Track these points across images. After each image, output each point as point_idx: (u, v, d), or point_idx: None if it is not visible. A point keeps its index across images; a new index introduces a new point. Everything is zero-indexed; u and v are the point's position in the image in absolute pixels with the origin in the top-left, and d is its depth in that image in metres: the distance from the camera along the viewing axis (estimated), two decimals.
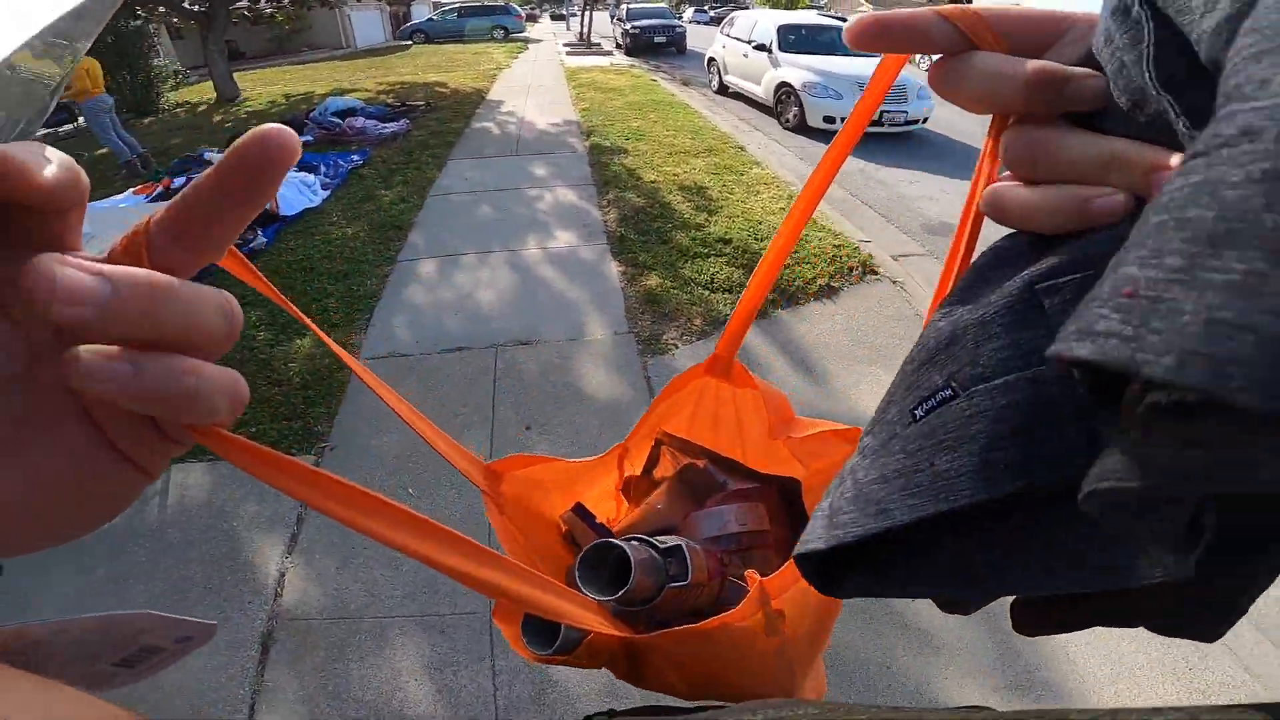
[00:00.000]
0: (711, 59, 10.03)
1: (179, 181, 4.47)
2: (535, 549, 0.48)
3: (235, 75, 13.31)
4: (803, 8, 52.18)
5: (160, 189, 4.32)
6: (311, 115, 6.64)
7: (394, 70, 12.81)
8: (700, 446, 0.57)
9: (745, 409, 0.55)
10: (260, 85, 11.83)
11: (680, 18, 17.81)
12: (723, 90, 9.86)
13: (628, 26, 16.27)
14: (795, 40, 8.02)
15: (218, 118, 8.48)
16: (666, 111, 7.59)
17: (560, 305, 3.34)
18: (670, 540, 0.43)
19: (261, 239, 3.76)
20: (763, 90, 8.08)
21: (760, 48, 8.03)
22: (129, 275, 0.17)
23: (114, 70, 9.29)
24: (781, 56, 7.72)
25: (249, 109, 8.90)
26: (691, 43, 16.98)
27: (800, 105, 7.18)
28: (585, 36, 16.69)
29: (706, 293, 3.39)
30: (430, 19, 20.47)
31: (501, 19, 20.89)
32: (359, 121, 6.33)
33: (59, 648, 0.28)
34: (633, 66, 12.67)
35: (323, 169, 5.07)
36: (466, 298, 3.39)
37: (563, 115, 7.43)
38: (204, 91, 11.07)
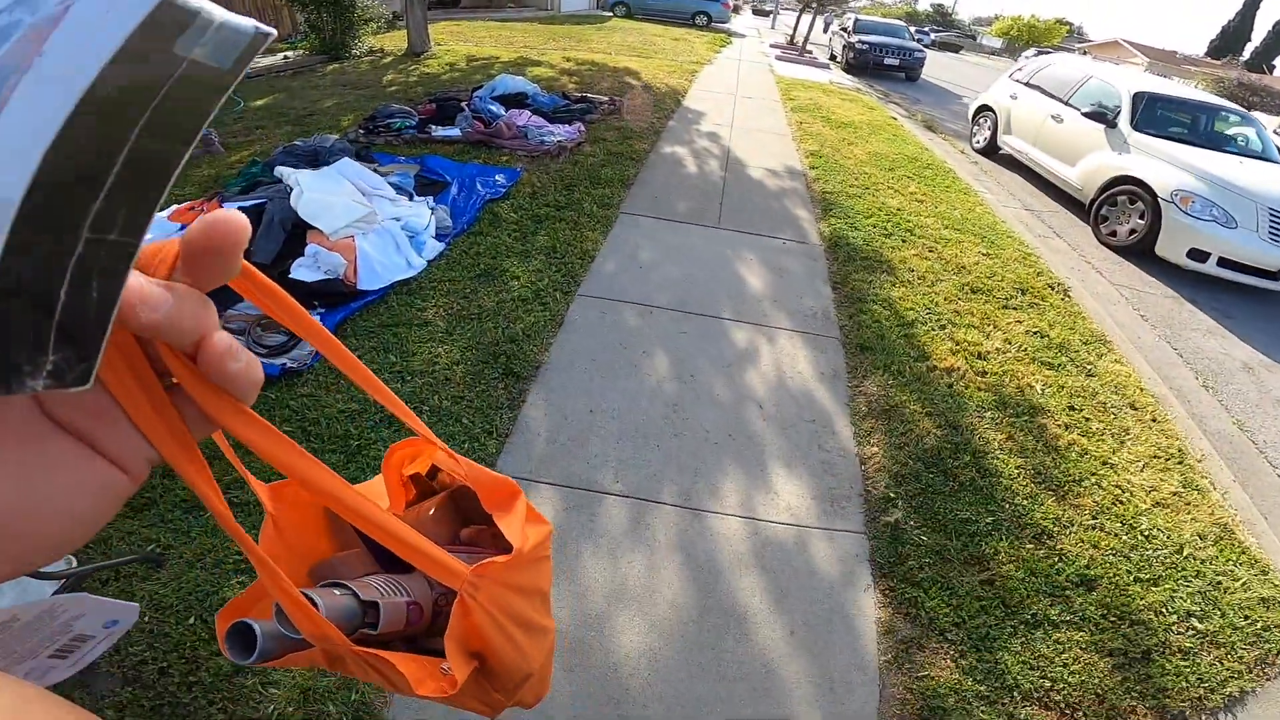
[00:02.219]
0: (985, 108, 7.47)
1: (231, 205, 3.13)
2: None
3: (437, 24, 12.81)
4: (1052, 45, 44.80)
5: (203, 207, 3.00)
6: (476, 96, 5.23)
7: (587, 44, 11.51)
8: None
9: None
10: (452, 39, 11.03)
11: (931, 43, 14.92)
12: (990, 151, 7.31)
13: (854, 41, 13.74)
14: (1162, 118, 5.35)
15: (390, 76, 7.51)
16: (929, 181, 5.35)
17: (757, 685, 1.46)
18: (380, 591, 0.45)
19: (310, 348, 2.25)
20: (1078, 178, 5.53)
21: (1096, 116, 5.45)
22: (185, 291, 0.22)
23: (316, 6, 8.77)
24: (1136, 139, 5.12)
25: (426, 70, 7.88)
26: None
27: (1154, 220, 4.62)
28: (802, 43, 14.39)
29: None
30: None
31: (707, 5, 19.11)
32: (522, 117, 4.82)
33: (8, 640, 0.31)
34: (859, 90, 10.31)
35: (453, 190, 3.56)
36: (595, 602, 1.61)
37: (782, 157, 5.46)
38: (401, 39, 10.42)
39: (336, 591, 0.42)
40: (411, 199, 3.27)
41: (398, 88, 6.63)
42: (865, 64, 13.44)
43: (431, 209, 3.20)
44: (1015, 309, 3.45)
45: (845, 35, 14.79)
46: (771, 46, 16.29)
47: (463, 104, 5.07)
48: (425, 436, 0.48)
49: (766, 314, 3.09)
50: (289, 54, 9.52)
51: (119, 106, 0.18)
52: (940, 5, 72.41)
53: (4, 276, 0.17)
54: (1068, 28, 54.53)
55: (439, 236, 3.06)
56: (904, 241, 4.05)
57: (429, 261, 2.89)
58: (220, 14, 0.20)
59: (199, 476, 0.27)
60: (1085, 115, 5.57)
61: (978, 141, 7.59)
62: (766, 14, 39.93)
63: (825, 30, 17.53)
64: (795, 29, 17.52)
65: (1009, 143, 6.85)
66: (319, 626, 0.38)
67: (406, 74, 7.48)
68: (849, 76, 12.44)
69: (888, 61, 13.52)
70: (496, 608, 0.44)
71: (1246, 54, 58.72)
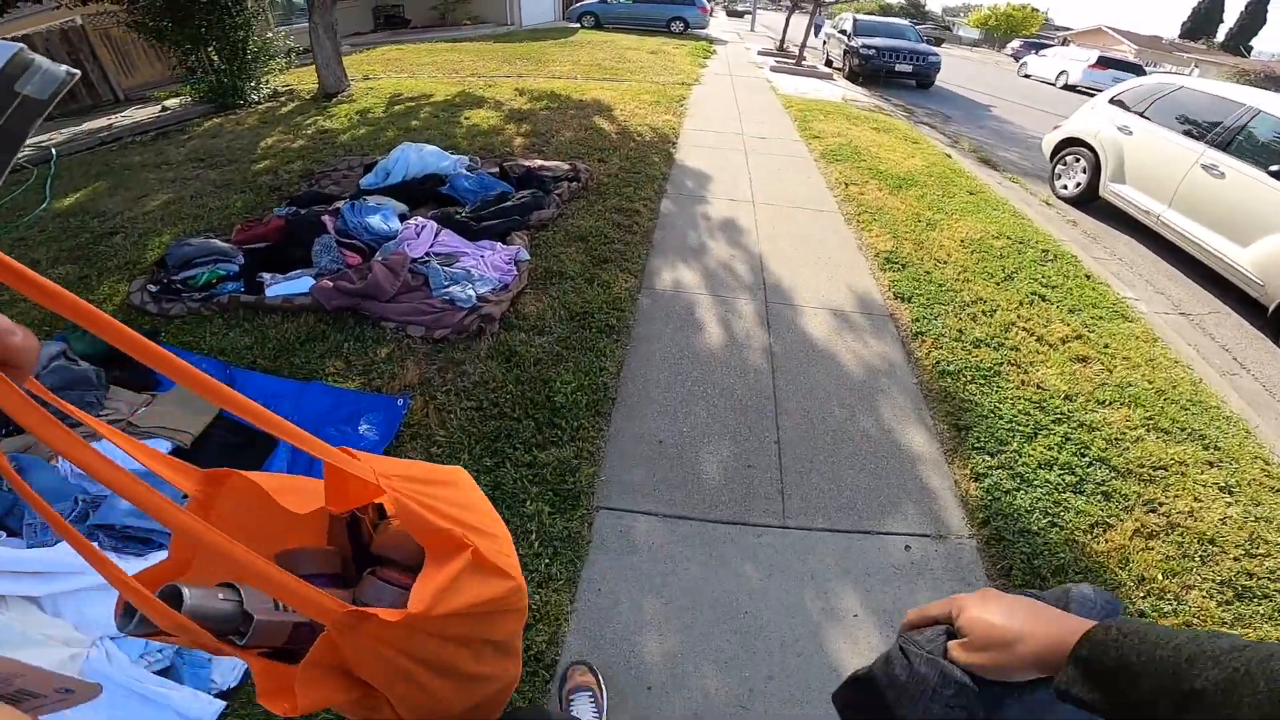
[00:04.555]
0: (1074, 142, 5.64)
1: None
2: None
3: (376, 50, 10.79)
4: (1030, 34, 43.31)
5: None
6: (345, 205, 3.19)
7: (548, 66, 9.56)
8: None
9: None
10: (386, 69, 9.02)
11: (936, 42, 13.12)
12: (1083, 199, 5.50)
13: (858, 45, 11.94)
14: None
15: (273, 138, 5.44)
16: (1066, 296, 3.51)
17: None
18: (273, 606, 0.45)
19: None
20: (1255, 265, 3.72)
21: None
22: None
23: (194, 44, 6.75)
24: None
25: (327, 124, 5.84)
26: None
27: None
28: (799, 49, 12.55)
29: None
30: (603, 1, 17.29)
31: (684, 10, 17.26)
32: (421, 240, 2.86)
33: None
34: (879, 108, 8.47)
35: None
36: None
37: (847, 274, 3.52)
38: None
39: (220, 594, 0.43)
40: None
41: (271, 162, 4.61)
42: (874, 72, 11.63)
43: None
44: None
45: (844, 38, 12.99)
46: (761, 55, 14.45)
47: (331, 213, 3.07)
48: (358, 471, 0.47)
49: None
50: (168, 103, 7.45)
51: None
52: None
53: None
54: (1043, 16, 53.71)
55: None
56: (1107, 498, 2.16)
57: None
58: (44, 62, 0.26)
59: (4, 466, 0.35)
60: (1276, 174, 3.74)
61: (1064, 187, 5.77)
62: (740, 14, 38.15)
63: (816, 34, 15.72)
64: (785, 33, 15.71)
65: (1122, 194, 5.02)
66: (174, 622, 0.39)
67: (297, 133, 5.46)
68: (860, 89, 10.62)
69: (899, 68, 11.73)
70: (391, 647, 0.44)
71: (1220, 35, 58.48)
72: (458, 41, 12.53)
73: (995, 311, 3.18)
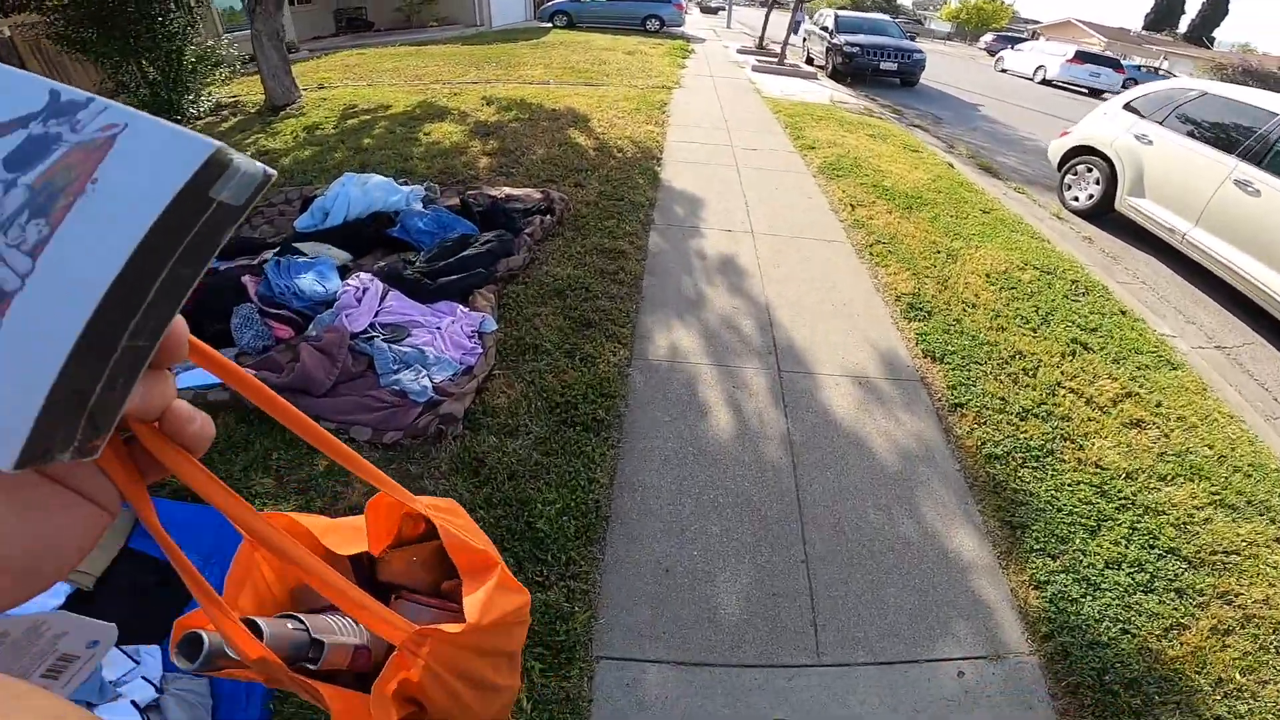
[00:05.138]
0: (1085, 150, 5.29)
1: None
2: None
3: (336, 55, 10.19)
4: (1000, 27, 43.60)
5: None
6: (270, 263, 2.63)
7: (519, 70, 8.98)
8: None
9: None
10: (343, 76, 8.38)
11: (912, 37, 12.75)
12: (1097, 212, 5.16)
13: (841, 43, 11.56)
14: None
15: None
16: (1108, 342, 3.12)
17: None
18: (336, 630, 0.46)
19: None
20: None
21: None
22: (154, 375, 0.26)
23: (122, 56, 6.06)
24: None
25: (266, 145, 5.22)
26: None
27: None
28: (781, 48, 12.13)
29: None
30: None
31: (658, 8, 16.73)
32: (363, 309, 2.33)
33: (2, 656, 0.27)
34: (869, 111, 8.07)
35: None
36: None
37: (866, 325, 3.06)
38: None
39: (290, 625, 0.44)
40: None
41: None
42: (859, 70, 11.25)
43: None
44: None
45: (825, 35, 12.61)
46: (741, 53, 14.01)
47: (253, 271, 2.51)
48: (404, 499, 0.49)
49: None
50: None
51: (165, 242, 0.21)
52: None
53: (61, 383, 0.21)
54: (1011, 9, 54.24)
55: None
56: (1180, 595, 1.89)
57: None
58: (243, 162, 0.22)
59: (148, 511, 0.31)
60: None
61: (1075, 198, 5.41)
62: (714, 11, 37.68)
63: (796, 32, 15.31)
64: (764, 30, 15.29)
65: (1142, 209, 4.67)
66: (256, 652, 0.40)
67: (253, 142, 4.83)
68: (846, 89, 10.23)
69: (884, 66, 11.37)
70: (443, 665, 0.45)
71: (1183, 26, 59.81)
72: (423, 45, 11.85)
73: (1038, 369, 2.76)
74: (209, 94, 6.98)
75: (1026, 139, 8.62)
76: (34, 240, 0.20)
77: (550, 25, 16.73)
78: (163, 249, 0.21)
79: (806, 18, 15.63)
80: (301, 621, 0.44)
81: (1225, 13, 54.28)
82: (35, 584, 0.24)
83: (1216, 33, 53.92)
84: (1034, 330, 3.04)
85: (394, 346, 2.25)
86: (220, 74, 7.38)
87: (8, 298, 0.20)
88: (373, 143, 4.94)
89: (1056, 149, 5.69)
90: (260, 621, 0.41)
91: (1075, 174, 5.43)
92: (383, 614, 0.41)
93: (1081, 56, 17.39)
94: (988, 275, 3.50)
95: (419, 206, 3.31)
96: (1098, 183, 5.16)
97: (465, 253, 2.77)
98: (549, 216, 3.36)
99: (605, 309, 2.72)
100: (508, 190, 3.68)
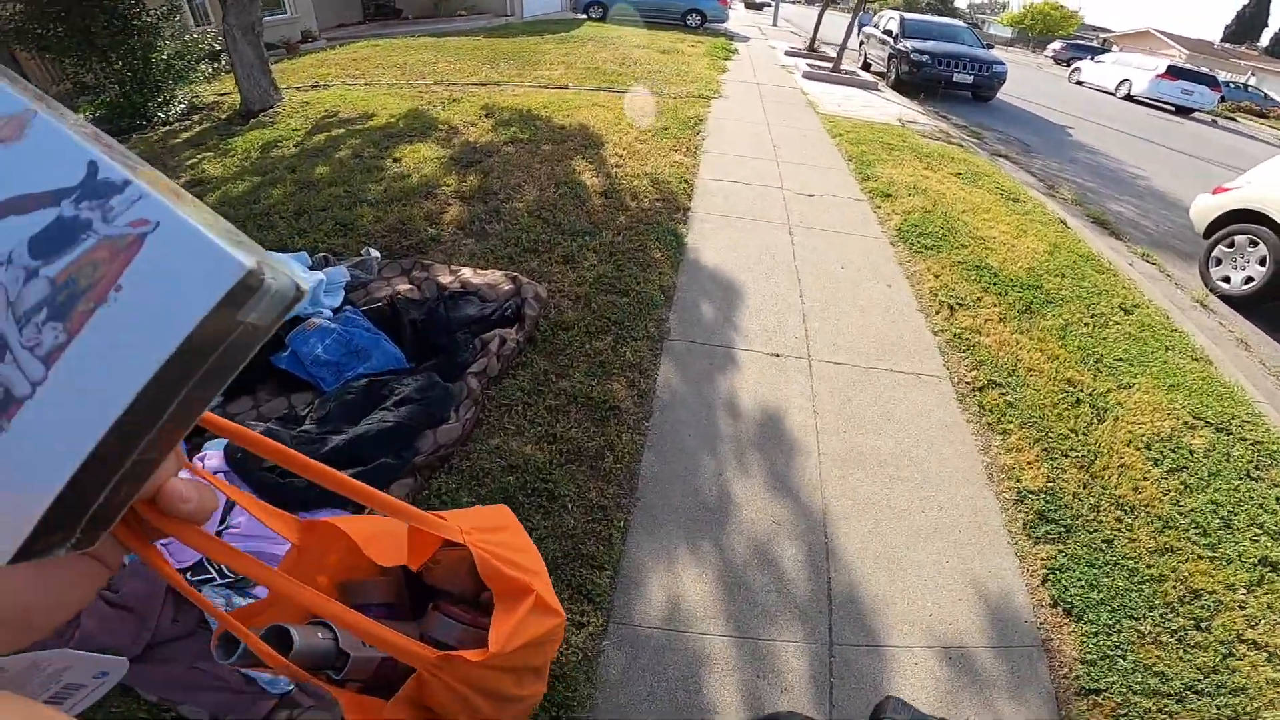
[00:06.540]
0: (1242, 214, 3.96)
1: None
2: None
3: (350, 46, 9.31)
4: (1067, 34, 40.22)
5: None
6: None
7: (536, 68, 7.89)
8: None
9: None
10: (343, 72, 7.42)
11: (989, 46, 11.19)
12: (1259, 298, 3.86)
13: (909, 50, 10.16)
14: None
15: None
16: (1256, 495, 1.86)
17: None
18: (357, 642, 0.46)
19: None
20: None
21: None
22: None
23: (84, 53, 5.26)
24: None
25: (207, 168, 4.24)
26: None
27: None
28: (838, 54, 10.75)
29: None
30: None
31: (701, 2, 15.41)
32: (187, 550, 1.27)
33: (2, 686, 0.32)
34: (947, 134, 6.74)
35: None
36: None
37: (977, 553, 1.85)
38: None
39: (320, 634, 0.45)
40: None
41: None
42: (928, 82, 9.85)
43: None
44: None
45: (888, 40, 11.19)
46: (789, 55, 12.67)
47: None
48: (446, 534, 0.50)
49: None
50: None
51: (186, 366, 0.21)
52: None
53: (66, 492, 0.20)
54: (1080, 16, 50.76)
55: None
56: None
57: None
58: (275, 281, 0.21)
59: (158, 561, 0.34)
60: None
61: (1226, 279, 4.10)
62: (760, 7, 35.79)
63: (856, 34, 13.85)
64: (816, 31, 13.87)
65: None
66: (278, 662, 0.42)
67: (207, 158, 3.85)
68: (914, 104, 8.85)
69: (958, 78, 9.93)
70: (464, 683, 0.46)
71: (1265, 40, 55.39)
72: (444, 36, 10.84)
73: (1212, 619, 1.58)
74: (184, 95, 6.07)
75: (1137, 176, 7.18)
76: (49, 346, 0.20)
77: (585, 16, 15.57)
78: (183, 373, 0.21)
79: (870, 19, 14.10)
80: (332, 630, 0.45)
81: None
82: (27, 637, 0.25)
83: None
84: (1211, 549, 1.84)
85: (239, 600, 1.24)
86: (201, 72, 6.47)
87: (16, 402, 0.20)
88: (327, 173, 3.90)
89: (1205, 211, 4.35)
90: (292, 630, 0.42)
91: (1231, 246, 4.10)
92: (404, 644, 0.43)
93: (1174, 72, 15.48)
94: (1148, 445, 2.28)
95: (329, 306, 2.25)
96: (1263, 262, 3.84)
97: (369, 424, 1.68)
98: (515, 331, 2.24)
99: (575, 531, 1.62)
100: (465, 274, 2.57)
